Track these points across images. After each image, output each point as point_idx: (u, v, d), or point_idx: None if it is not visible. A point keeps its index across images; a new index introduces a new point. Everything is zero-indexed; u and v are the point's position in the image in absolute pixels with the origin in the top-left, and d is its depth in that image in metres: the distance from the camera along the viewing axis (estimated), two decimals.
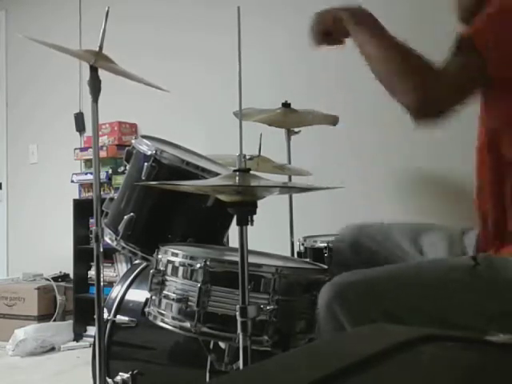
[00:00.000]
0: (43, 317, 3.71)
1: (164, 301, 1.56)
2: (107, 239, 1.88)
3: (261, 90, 3.14)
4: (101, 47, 1.86)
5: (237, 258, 1.38)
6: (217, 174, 1.68)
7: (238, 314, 1.36)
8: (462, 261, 1.26)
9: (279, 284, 1.48)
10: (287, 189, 1.87)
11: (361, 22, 1.33)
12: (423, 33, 2.88)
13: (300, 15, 3.27)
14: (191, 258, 1.53)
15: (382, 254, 1.52)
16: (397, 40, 1.24)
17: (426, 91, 1.16)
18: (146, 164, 1.81)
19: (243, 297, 1.36)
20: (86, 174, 3.80)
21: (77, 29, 4.09)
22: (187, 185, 1.56)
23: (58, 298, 3.80)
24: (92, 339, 2.04)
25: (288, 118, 2.57)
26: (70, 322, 3.71)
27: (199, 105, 3.58)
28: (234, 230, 1.51)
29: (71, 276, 3.88)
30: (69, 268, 3.86)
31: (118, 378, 1.92)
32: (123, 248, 1.84)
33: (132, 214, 1.83)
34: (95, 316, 1.82)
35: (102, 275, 1.86)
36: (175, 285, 1.55)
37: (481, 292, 1.16)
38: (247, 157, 1.41)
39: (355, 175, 3.04)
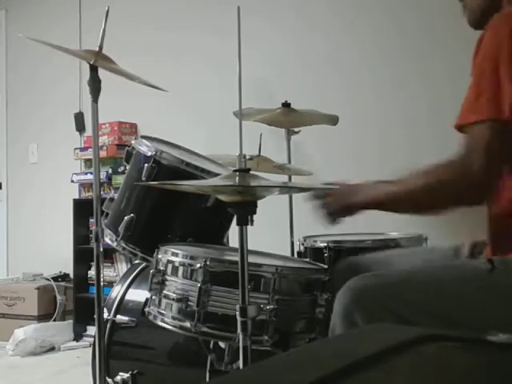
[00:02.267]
0: (43, 317, 3.71)
1: (164, 300, 1.56)
2: (107, 240, 1.88)
3: (261, 90, 3.14)
4: (101, 47, 1.85)
5: (237, 258, 1.37)
6: (217, 174, 1.68)
7: (237, 313, 1.36)
8: (478, 264, 1.24)
9: (279, 284, 1.48)
10: (287, 189, 1.86)
11: (371, 196, 1.38)
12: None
13: (300, 15, 3.29)
14: (191, 257, 1.53)
15: None
16: (405, 179, 1.31)
17: (473, 192, 1.20)
18: (146, 165, 1.80)
19: (243, 296, 1.36)
20: (86, 173, 3.80)
21: (77, 29, 4.09)
22: (187, 185, 1.55)
23: (58, 297, 3.80)
24: (92, 339, 2.04)
25: (288, 118, 2.56)
26: (70, 321, 3.71)
27: (199, 105, 3.58)
28: (233, 230, 1.51)
29: (71, 276, 3.88)
30: (69, 268, 3.86)
31: (118, 378, 1.92)
32: (123, 249, 1.84)
33: (132, 214, 1.83)
34: (95, 316, 1.82)
35: (102, 275, 1.86)
36: (175, 285, 1.55)
37: (497, 296, 1.14)
38: (247, 157, 1.41)
39: (355, 175, 3.04)
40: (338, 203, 1.43)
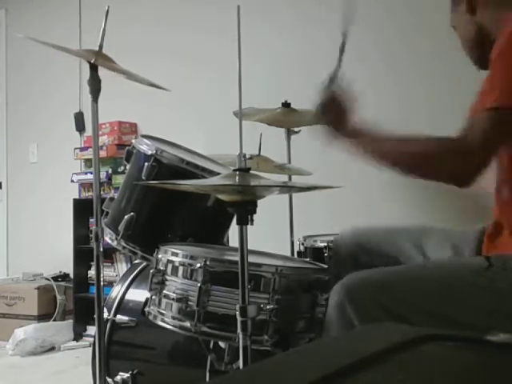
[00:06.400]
0: (43, 316, 3.71)
1: (164, 300, 1.56)
2: (107, 239, 1.88)
3: (261, 90, 3.14)
4: (101, 47, 1.86)
5: (237, 258, 1.38)
6: (217, 174, 1.68)
7: (237, 313, 1.36)
8: (475, 261, 1.24)
9: (279, 283, 1.48)
10: (287, 188, 1.87)
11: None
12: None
13: (300, 15, 3.28)
14: (191, 257, 1.53)
15: (383, 258, 1.51)
16: (406, 138, 1.37)
17: (465, 171, 1.21)
18: (146, 164, 1.81)
19: (243, 296, 1.36)
20: (86, 173, 3.80)
21: (77, 29, 4.09)
22: (187, 184, 1.55)
23: (58, 297, 3.80)
24: (92, 339, 2.04)
25: (288, 118, 2.57)
26: (70, 321, 3.71)
27: (199, 105, 3.58)
28: (234, 230, 1.51)
29: (71, 276, 3.88)
30: (69, 268, 3.86)
31: (118, 378, 1.92)
32: (123, 248, 1.84)
33: (132, 213, 1.83)
34: (95, 316, 1.82)
35: (102, 275, 1.86)
36: (175, 284, 1.55)
37: (495, 294, 1.14)
38: (247, 156, 1.41)
39: (355, 175, 3.04)
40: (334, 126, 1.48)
